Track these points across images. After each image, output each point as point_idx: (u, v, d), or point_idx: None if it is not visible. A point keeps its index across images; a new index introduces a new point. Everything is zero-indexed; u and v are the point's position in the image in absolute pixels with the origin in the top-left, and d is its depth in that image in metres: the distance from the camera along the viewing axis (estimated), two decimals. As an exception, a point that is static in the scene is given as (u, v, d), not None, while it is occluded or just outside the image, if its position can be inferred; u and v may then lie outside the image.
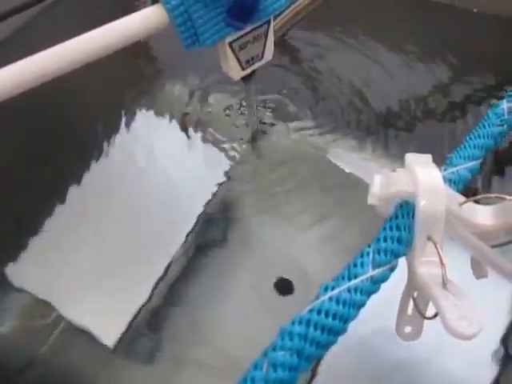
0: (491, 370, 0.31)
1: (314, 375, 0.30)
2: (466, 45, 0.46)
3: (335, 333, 0.20)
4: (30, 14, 0.47)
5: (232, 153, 0.42)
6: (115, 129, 0.45)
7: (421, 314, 0.25)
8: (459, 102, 0.43)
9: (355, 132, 0.43)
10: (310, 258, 0.35)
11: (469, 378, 0.31)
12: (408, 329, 0.27)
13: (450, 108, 0.43)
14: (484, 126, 0.28)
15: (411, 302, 0.26)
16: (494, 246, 0.25)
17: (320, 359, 0.31)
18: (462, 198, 0.24)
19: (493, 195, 0.24)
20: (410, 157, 0.24)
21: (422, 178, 0.23)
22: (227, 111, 0.45)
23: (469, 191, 0.25)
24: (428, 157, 0.25)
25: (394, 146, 0.41)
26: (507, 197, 0.23)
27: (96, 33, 0.24)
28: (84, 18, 0.46)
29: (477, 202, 0.24)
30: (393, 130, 0.42)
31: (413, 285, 0.24)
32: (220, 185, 0.41)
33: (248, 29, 0.28)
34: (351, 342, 0.31)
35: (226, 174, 0.41)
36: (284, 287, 0.34)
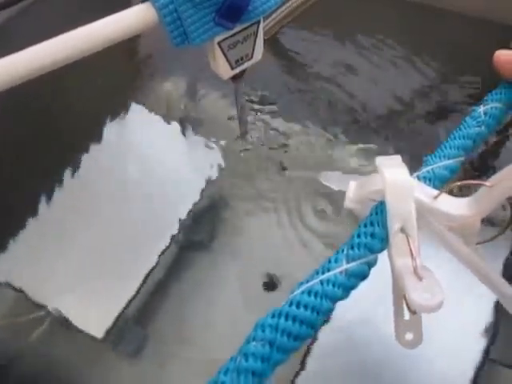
0: (472, 369, 0.30)
1: (299, 371, 0.29)
2: (458, 47, 0.47)
3: (308, 324, 0.21)
4: (15, 11, 0.46)
5: (222, 152, 0.43)
6: (104, 126, 0.45)
7: (413, 312, 0.24)
8: (451, 105, 0.43)
9: (345, 133, 0.43)
10: (299, 258, 0.35)
11: (450, 376, 0.29)
12: (409, 336, 0.26)
13: (441, 110, 0.42)
14: (460, 129, 0.29)
15: (405, 307, 0.26)
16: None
17: (306, 356, 0.30)
18: (435, 192, 0.25)
19: (460, 183, 0.24)
20: (380, 159, 0.26)
21: (389, 174, 0.24)
22: (219, 110, 0.46)
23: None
24: (397, 158, 0.26)
25: (384, 147, 0.41)
26: (477, 181, 0.23)
27: (83, 30, 0.24)
28: (71, 15, 0.46)
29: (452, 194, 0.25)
30: (382, 131, 0.42)
31: (395, 280, 0.24)
32: (209, 184, 0.41)
33: (237, 29, 0.28)
34: (338, 336, 0.30)
35: (215, 173, 0.42)
36: (271, 287, 0.34)
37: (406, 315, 0.26)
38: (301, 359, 0.30)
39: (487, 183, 0.23)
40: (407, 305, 0.25)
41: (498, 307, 0.31)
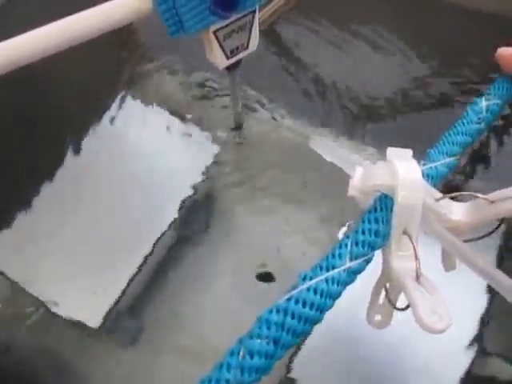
0: (464, 363, 0.31)
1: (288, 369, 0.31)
2: (450, 39, 0.46)
3: (311, 322, 0.21)
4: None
5: (216, 142, 0.42)
6: (96, 115, 0.43)
7: (392, 304, 0.25)
8: (442, 96, 0.43)
9: (338, 124, 0.42)
10: (293, 248, 0.36)
11: (441, 370, 0.32)
12: (378, 317, 0.28)
13: (432, 101, 0.43)
14: (463, 123, 0.29)
15: (383, 293, 0.27)
16: (465, 241, 0.26)
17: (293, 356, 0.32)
18: (438, 194, 0.25)
19: (466, 193, 0.25)
20: (392, 151, 0.25)
21: (402, 171, 0.23)
22: (213, 100, 0.44)
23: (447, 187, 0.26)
24: (409, 151, 0.25)
25: (375, 137, 0.41)
26: (479, 195, 0.24)
27: (76, 18, 0.23)
28: (63, 2, 0.44)
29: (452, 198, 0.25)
30: (374, 121, 0.42)
31: (386, 277, 0.25)
32: (203, 174, 0.40)
33: (233, 18, 0.28)
34: (326, 331, 0.32)
35: (210, 163, 0.41)
36: (265, 277, 0.34)
37: (381, 300, 0.27)
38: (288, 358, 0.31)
39: (489, 198, 0.24)
40: (387, 295, 0.26)
41: (492, 293, 0.33)
